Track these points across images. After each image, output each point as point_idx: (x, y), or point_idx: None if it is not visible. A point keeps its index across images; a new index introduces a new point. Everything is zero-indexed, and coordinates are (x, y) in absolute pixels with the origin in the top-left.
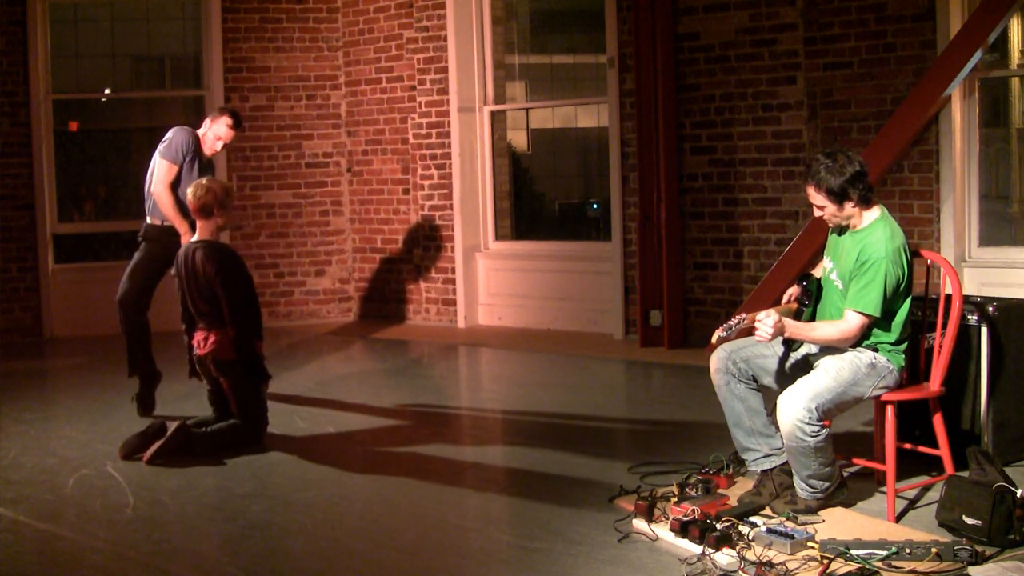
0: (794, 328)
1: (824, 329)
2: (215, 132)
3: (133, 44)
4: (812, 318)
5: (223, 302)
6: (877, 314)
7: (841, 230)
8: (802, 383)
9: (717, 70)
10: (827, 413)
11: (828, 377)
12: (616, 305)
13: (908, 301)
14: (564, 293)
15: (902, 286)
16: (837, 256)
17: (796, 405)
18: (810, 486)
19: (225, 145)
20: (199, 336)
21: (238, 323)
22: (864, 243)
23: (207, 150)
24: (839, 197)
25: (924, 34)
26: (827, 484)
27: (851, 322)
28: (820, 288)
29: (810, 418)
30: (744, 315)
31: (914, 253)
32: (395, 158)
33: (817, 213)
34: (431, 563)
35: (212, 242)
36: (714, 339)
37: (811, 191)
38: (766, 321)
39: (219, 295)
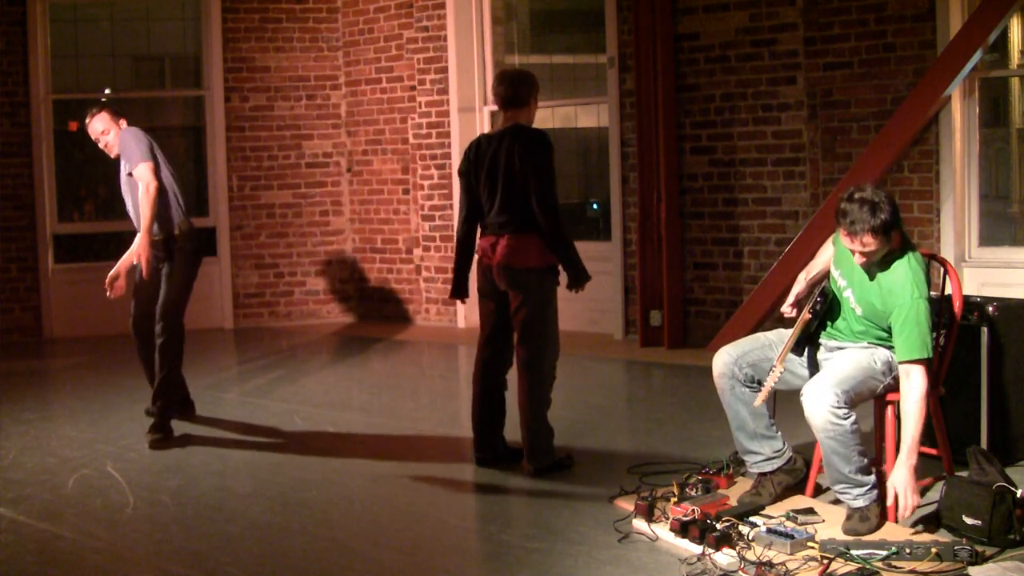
0: (911, 455)
1: (912, 411)
2: None
3: (133, 44)
4: (818, 328)
5: (531, 190)
6: (930, 353)
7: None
8: (823, 374)
9: (717, 70)
10: (851, 400)
11: (848, 365)
12: (616, 305)
13: None
14: (564, 293)
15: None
16: (851, 275)
17: (823, 392)
18: (858, 484)
19: (105, 141)
20: (485, 243)
21: (547, 209)
22: (891, 285)
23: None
24: (893, 228)
25: (924, 34)
26: (871, 477)
27: (914, 376)
28: (828, 298)
29: (838, 401)
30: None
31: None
32: (395, 158)
33: (860, 261)
34: (431, 563)
35: (524, 126)
36: (757, 402)
37: (868, 239)
38: (909, 501)
39: (526, 183)
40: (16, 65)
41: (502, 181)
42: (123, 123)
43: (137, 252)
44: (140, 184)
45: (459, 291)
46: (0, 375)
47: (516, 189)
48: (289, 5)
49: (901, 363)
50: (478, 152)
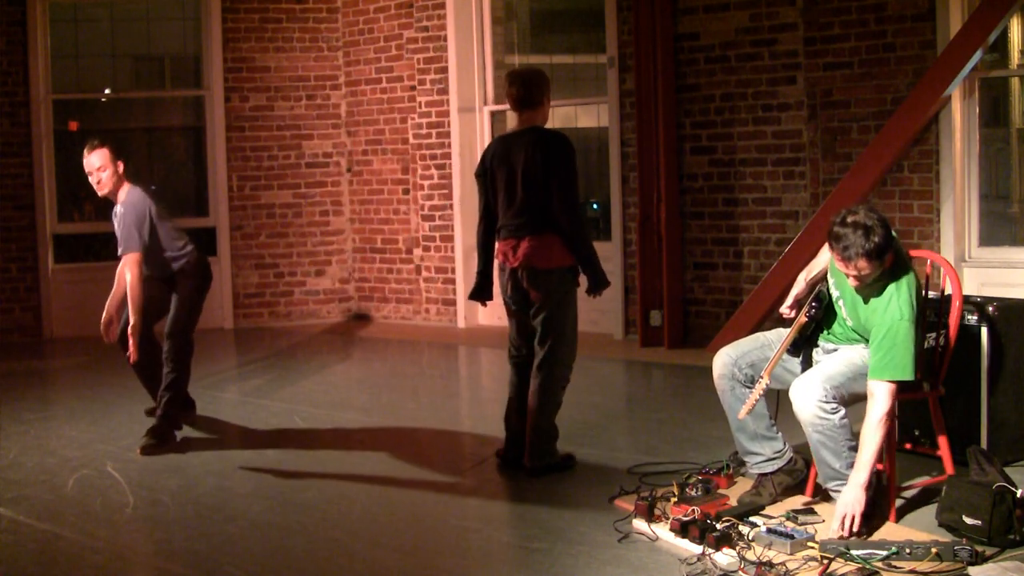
0: (861, 471)
1: (870, 431)
2: None
3: (133, 44)
4: (815, 330)
5: (553, 192)
6: (911, 376)
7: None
8: (812, 370)
9: (717, 70)
10: (841, 396)
11: (839, 363)
12: (616, 305)
13: None
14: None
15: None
16: (843, 286)
17: (811, 388)
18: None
19: (99, 178)
20: (505, 247)
21: (569, 212)
22: (877, 305)
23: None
24: (887, 251)
25: (924, 34)
26: None
27: (879, 395)
28: (823, 303)
29: (826, 396)
30: (764, 378)
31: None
32: (395, 158)
33: (854, 284)
34: (431, 563)
35: (543, 128)
36: (742, 415)
37: (862, 264)
38: (848, 522)
39: (548, 185)
40: (16, 65)
41: (521, 183)
42: (120, 166)
43: (110, 313)
44: (126, 269)
45: (480, 293)
46: (0, 375)
47: (535, 191)
48: (289, 5)
49: (869, 381)
50: (495, 154)
